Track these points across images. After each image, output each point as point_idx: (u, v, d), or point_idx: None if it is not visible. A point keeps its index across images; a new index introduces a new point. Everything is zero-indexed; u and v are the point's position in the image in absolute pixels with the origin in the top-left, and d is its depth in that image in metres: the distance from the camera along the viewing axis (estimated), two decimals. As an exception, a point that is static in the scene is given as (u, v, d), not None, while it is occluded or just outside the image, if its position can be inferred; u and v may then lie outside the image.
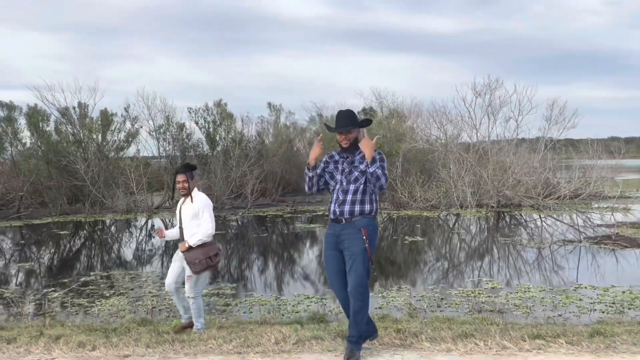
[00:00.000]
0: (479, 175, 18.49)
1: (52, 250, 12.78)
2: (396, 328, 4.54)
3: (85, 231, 15.77)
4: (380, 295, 7.41)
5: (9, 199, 18.59)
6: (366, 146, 3.93)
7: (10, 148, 20.75)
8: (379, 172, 3.92)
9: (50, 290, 8.07)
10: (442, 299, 7.15)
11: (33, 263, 10.68)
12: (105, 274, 9.35)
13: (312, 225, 15.08)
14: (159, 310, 6.80)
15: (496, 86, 19.56)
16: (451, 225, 15.68)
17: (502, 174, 18.11)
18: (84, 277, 9.01)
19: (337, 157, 4.15)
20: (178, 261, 4.90)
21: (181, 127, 22.32)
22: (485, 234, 14.02)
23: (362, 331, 3.94)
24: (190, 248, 4.77)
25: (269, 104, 24.90)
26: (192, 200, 4.84)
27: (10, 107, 20.90)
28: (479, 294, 7.36)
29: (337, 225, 4.01)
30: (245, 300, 7.21)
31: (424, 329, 4.51)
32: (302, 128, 25.46)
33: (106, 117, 20.77)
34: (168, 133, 22.36)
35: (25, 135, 21.03)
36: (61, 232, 14.84)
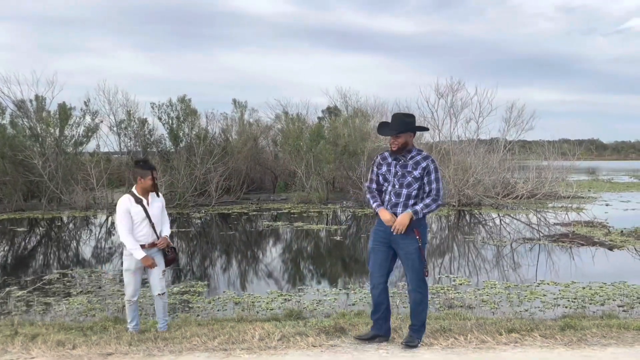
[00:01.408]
0: (445, 177, 18.87)
1: (7, 248, 12.29)
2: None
3: (42, 228, 15.22)
4: (351, 291, 7.48)
5: (-41, 194, 17.76)
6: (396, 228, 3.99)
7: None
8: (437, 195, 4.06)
9: (10, 289, 7.77)
10: (412, 295, 7.29)
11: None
12: (69, 272, 9.08)
13: (277, 223, 15.06)
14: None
15: (458, 88, 20.06)
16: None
17: (463, 174, 18.55)
18: (47, 275, 8.72)
19: (389, 159, 4.18)
20: (139, 270, 4.81)
21: (143, 122, 21.86)
22: (447, 232, 14.32)
23: (424, 319, 4.12)
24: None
25: (234, 101, 24.72)
26: (157, 194, 4.83)
27: (-40, 99, 19.88)
28: (448, 290, 7.53)
29: (389, 227, 4.06)
30: (219, 298, 7.15)
31: (402, 325, 4.60)
32: (267, 125, 25.35)
33: (64, 111, 20.09)
34: (129, 128, 21.87)
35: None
36: (17, 229, 14.29)
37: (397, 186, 4.07)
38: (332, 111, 25.61)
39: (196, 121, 21.71)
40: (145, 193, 4.77)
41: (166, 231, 4.88)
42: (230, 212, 17.73)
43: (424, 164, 4.07)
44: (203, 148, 19.96)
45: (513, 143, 20.69)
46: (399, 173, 4.08)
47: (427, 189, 4.08)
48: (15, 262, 10.53)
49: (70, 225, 16.12)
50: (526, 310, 6.40)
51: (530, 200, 19.08)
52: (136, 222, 4.75)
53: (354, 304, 6.78)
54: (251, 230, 14.58)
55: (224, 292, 7.63)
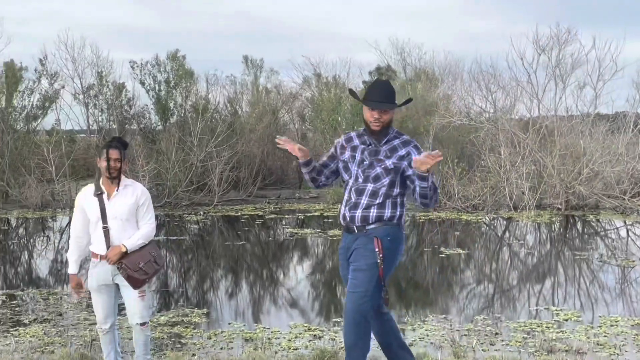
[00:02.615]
0: (540, 164, 18.67)
1: None
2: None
3: (-18, 233, 15.75)
4: (410, 327, 7.54)
5: None
6: (425, 163, 3.95)
7: None
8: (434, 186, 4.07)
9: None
10: (496, 334, 7.31)
11: None
12: (18, 293, 9.39)
13: (305, 231, 15.18)
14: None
15: (567, 39, 19.71)
16: (500, 234, 15.84)
17: (574, 163, 18.29)
18: (-11, 297, 9.05)
19: (356, 142, 4.23)
20: (106, 288, 4.95)
21: (120, 88, 22.31)
22: (549, 246, 14.20)
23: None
24: (124, 254, 4.84)
25: (245, 58, 24.96)
26: (118, 187, 4.89)
27: None
28: (547, 327, 7.51)
29: (348, 237, 4.19)
30: (222, 333, 7.30)
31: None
32: (292, 93, 25.50)
33: (13, 73, 20.71)
34: (101, 97, 22.36)
35: None
36: (-51, 235, 14.85)
37: (360, 179, 4.11)
38: (383, 72, 25.60)
39: (192, 87, 22.05)
40: (111, 183, 4.90)
41: (132, 240, 4.88)
42: (239, 214, 17.96)
43: (402, 152, 4.12)
44: (202, 124, 20.25)
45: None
46: (366, 162, 4.11)
47: (411, 186, 4.13)
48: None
49: (20, 230, 16.63)
50: (662, 359, 6.33)
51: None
52: (92, 222, 4.91)
53: (411, 345, 6.82)
54: (268, 240, 14.74)
55: (229, 324, 7.77)
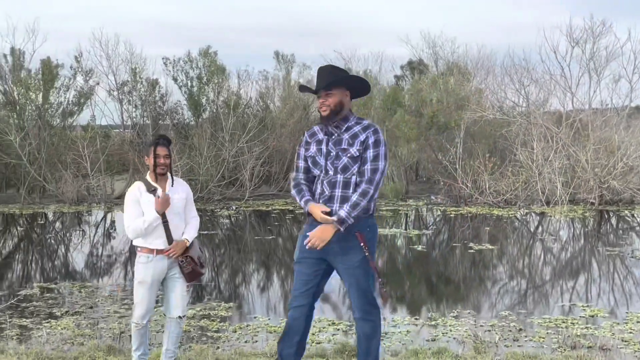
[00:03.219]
0: (574, 158, 18.47)
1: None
2: (458, 366, 4.68)
3: (20, 228, 16.13)
4: (433, 322, 7.58)
5: None
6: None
7: None
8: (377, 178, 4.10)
9: (-22, 306, 8.37)
10: (520, 329, 7.30)
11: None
12: (52, 286, 9.63)
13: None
14: (129, 335, 7.02)
15: (602, 31, 19.52)
16: (535, 229, 15.72)
17: (608, 158, 18.06)
18: (23, 290, 9.29)
19: (320, 135, 4.24)
20: (156, 283, 5.05)
21: (153, 84, 22.62)
22: (582, 241, 14.07)
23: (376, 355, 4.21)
24: (187, 248, 5.01)
25: (277, 54, 25.07)
26: (172, 183, 5.02)
27: None
28: (573, 324, 7.48)
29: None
30: (247, 326, 7.42)
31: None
32: (323, 88, 25.55)
33: (49, 70, 21.08)
34: (135, 93, 22.70)
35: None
36: (-12, 229, 15.24)
37: (331, 172, 4.11)
38: (415, 67, 25.51)
39: (224, 83, 22.26)
40: (161, 180, 5.02)
41: (189, 233, 5.06)
42: (269, 208, 18.11)
43: (362, 137, 4.09)
44: (234, 120, 20.45)
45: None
46: (332, 153, 4.09)
47: (363, 170, 4.08)
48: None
49: (57, 224, 16.98)
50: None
51: None
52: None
53: (434, 340, 6.86)
54: (298, 234, 14.83)
55: (254, 317, 7.92)
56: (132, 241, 5.09)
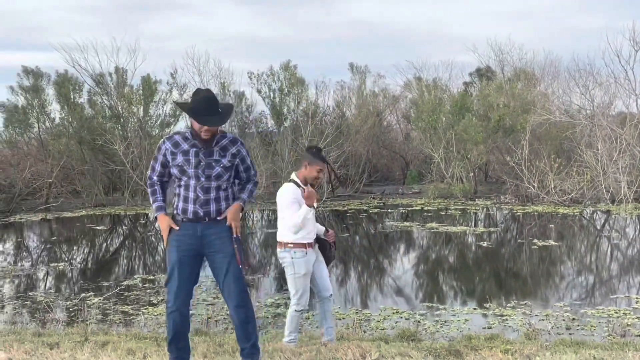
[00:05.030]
0: (638, 158, 17.95)
1: (87, 250, 14.00)
2: (504, 348, 4.82)
3: (125, 226, 17.03)
4: (491, 312, 7.67)
5: (35, 186, 20.26)
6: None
7: (37, 124, 22.50)
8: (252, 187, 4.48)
9: (87, 295, 9.01)
10: (573, 319, 7.30)
11: (65, 264, 11.79)
12: (151, 277, 10.23)
13: (407, 224, 15.40)
14: (216, 321, 7.46)
15: (664, 35, 18.82)
16: (599, 227, 15.42)
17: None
18: (126, 281, 9.92)
19: (185, 146, 4.33)
20: (310, 272, 5.33)
21: (240, 96, 23.30)
22: (644, 238, 13.76)
23: (256, 340, 4.31)
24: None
25: (351, 65, 25.33)
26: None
27: (36, 74, 22.47)
28: (625, 314, 7.42)
29: (198, 225, 4.29)
30: (318, 313, 7.69)
31: (539, 352, 4.75)
32: (395, 96, 25.67)
33: (149, 85, 22.10)
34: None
35: (55, 108, 22.68)
36: (97, 228, 16.13)
37: (203, 179, 4.26)
38: (483, 73, 25.27)
39: (304, 93, 22.71)
40: (304, 184, 5.35)
41: (317, 225, 5.47)
42: (345, 208, 18.40)
43: (233, 150, 4.32)
44: (312, 127, 20.85)
45: None
46: (202, 163, 4.25)
47: (244, 176, 4.42)
48: (95, 266, 12.01)
49: (157, 223, 17.75)
50: None
51: None
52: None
53: (489, 327, 6.96)
54: (370, 232, 15.07)
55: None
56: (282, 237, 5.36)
